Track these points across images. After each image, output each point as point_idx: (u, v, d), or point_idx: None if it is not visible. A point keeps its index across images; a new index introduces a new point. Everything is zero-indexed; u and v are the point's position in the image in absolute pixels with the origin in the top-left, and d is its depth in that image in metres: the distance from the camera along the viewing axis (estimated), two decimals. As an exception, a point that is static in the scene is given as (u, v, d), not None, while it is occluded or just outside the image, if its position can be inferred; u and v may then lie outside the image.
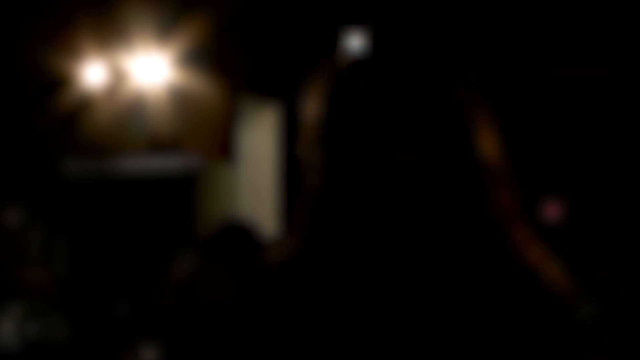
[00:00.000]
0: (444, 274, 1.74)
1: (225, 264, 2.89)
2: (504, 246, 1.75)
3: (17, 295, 5.42)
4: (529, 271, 1.75)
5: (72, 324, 5.45)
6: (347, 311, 1.72)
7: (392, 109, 1.80)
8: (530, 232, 1.75)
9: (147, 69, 6.82)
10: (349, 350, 1.69)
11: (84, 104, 6.95)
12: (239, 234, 3.04)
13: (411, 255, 1.73)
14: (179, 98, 6.78)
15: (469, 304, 1.70)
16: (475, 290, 1.72)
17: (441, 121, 1.80)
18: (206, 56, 6.74)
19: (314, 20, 5.86)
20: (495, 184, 1.74)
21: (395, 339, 1.69)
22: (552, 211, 5.71)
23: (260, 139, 6.80)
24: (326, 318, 1.73)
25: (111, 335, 5.45)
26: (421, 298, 1.70)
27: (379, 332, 1.70)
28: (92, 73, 6.91)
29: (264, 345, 1.71)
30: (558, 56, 5.80)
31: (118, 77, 6.89)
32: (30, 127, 7.13)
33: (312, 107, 1.83)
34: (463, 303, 1.69)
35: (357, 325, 1.70)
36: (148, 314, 5.10)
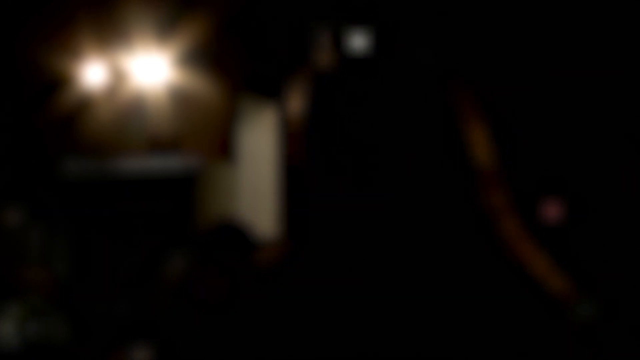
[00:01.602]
0: (437, 276, 1.74)
1: (217, 264, 2.88)
2: (494, 244, 1.76)
3: (17, 295, 5.41)
4: (519, 268, 1.75)
5: (72, 324, 5.44)
6: (340, 312, 1.72)
7: (383, 108, 1.81)
8: (520, 228, 1.76)
9: (147, 69, 6.82)
10: (342, 352, 1.69)
11: (84, 104, 6.95)
12: (231, 235, 3.02)
13: (403, 256, 1.73)
14: (179, 98, 6.78)
15: (461, 305, 1.70)
16: (466, 289, 1.72)
17: (433, 121, 1.81)
18: (206, 56, 6.74)
19: (315, 19, 5.86)
20: (486, 182, 1.75)
21: (387, 341, 1.69)
22: (552, 211, 5.71)
23: (260, 139, 6.79)
24: (319, 319, 1.73)
25: (111, 335, 5.45)
26: (413, 299, 1.71)
27: (371, 334, 1.70)
28: (92, 73, 6.91)
29: (256, 345, 1.71)
30: (559, 57, 5.80)
31: (118, 77, 6.89)
32: (30, 127, 7.12)
33: (295, 106, 1.83)
34: (455, 305, 1.70)
35: (349, 326, 1.70)
36: (143, 314, 5.10)
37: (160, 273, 3.25)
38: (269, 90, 6.68)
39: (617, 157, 5.71)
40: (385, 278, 1.57)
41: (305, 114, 1.67)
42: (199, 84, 6.74)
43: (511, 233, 1.58)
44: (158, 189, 6.99)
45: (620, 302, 4.89)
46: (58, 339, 5.35)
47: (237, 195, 6.80)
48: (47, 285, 5.57)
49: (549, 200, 5.75)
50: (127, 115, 6.89)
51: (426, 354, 1.61)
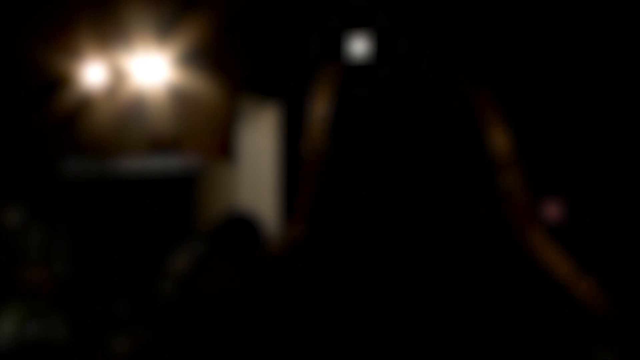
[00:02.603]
0: (449, 269, 1.73)
1: (229, 256, 2.87)
2: (517, 246, 1.75)
3: (17, 295, 5.42)
4: (543, 272, 1.74)
5: (72, 324, 5.45)
6: (350, 306, 1.72)
7: (402, 109, 1.81)
8: (545, 233, 1.76)
9: (147, 69, 6.82)
10: (352, 346, 1.69)
11: (84, 104, 6.95)
12: (243, 226, 3.03)
13: (416, 251, 1.72)
14: (179, 98, 6.78)
15: (478, 300, 1.70)
16: (485, 287, 1.72)
17: (451, 120, 1.80)
18: (206, 56, 6.74)
19: (315, 20, 5.86)
20: (508, 183, 1.74)
21: (399, 335, 1.69)
22: (552, 211, 5.71)
23: (260, 139, 6.80)
24: (328, 312, 1.73)
25: (110, 335, 5.45)
26: (425, 293, 1.70)
27: (382, 327, 1.70)
28: (92, 73, 6.91)
29: (263, 338, 1.71)
30: (559, 56, 5.80)
31: (118, 77, 6.89)
32: (30, 127, 7.13)
33: (320, 106, 1.83)
34: (471, 297, 1.69)
35: (360, 320, 1.70)
36: (143, 310, 5.10)
37: (166, 266, 3.25)
38: (269, 90, 6.68)
39: (617, 157, 5.71)
40: (401, 277, 1.58)
41: (331, 112, 1.68)
42: (199, 84, 6.74)
43: (535, 237, 1.58)
44: (158, 189, 7.00)
45: (622, 303, 4.88)
46: (58, 339, 5.35)
47: (237, 195, 6.81)
48: (47, 285, 5.58)
49: (549, 200, 5.75)
50: (127, 115, 6.89)
51: (441, 349, 1.61)
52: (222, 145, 6.83)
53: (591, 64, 5.75)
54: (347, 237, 1.69)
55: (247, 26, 6.67)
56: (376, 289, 1.67)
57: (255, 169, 6.81)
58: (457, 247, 1.69)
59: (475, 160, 1.74)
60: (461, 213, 1.72)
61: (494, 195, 1.72)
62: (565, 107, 5.79)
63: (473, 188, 1.71)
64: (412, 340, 1.65)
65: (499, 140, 1.76)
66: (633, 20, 5.71)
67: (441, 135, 1.71)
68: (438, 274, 1.68)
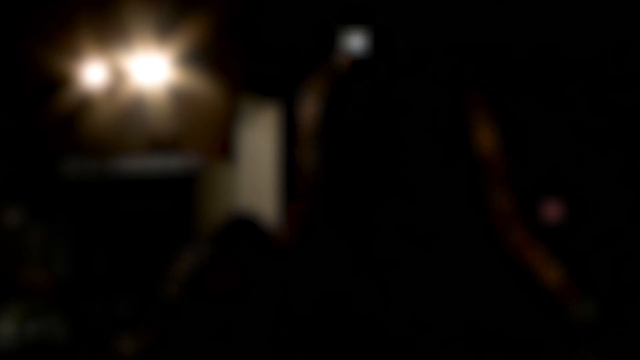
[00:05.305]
0: (443, 270, 1.74)
1: (235, 257, 2.88)
2: (501, 249, 1.75)
3: (17, 295, 5.42)
4: (526, 274, 1.74)
5: (72, 324, 5.45)
6: (344, 305, 1.73)
7: (392, 109, 1.80)
8: (528, 234, 1.75)
9: (147, 69, 6.82)
10: (350, 339, 1.69)
11: (84, 104, 6.95)
12: (248, 227, 3.03)
13: (409, 251, 1.73)
14: (179, 98, 6.79)
15: (466, 302, 1.70)
16: (472, 291, 1.72)
17: (442, 121, 1.80)
18: (206, 56, 6.74)
19: (315, 20, 5.87)
20: (493, 185, 1.74)
21: (395, 329, 1.69)
22: (552, 211, 5.71)
23: (260, 139, 6.80)
24: (324, 309, 1.73)
25: (111, 335, 5.45)
26: (420, 292, 1.70)
27: (379, 322, 1.70)
28: (92, 73, 6.91)
29: (265, 337, 1.71)
30: (558, 55, 5.80)
31: (118, 77, 6.89)
32: (30, 127, 7.13)
33: (310, 109, 1.82)
34: (460, 299, 1.70)
35: (356, 316, 1.71)
36: (146, 307, 5.09)
37: (171, 267, 3.25)
38: (269, 90, 6.68)
39: (617, 157, 5.71)
40: (392, 275, 1.59)
41: (322, 117, 1.66)
42: (199, 84, 6.75)
43: (518, 238, 1.58)
44: (158, 189, 7.00)
45: (621, 303, 4.89)
46: (58, 339, 5.35)
47: (237, 195, 6.81)
48: (47, 285, 5.58)
49: (549, 200, 5.75)
50: (127, 115, 6.89)
51: (432, 347, 1.62)
52: (222, 145, 6.83)
53: (591, 63, 5.76)
54: (338, 239, 1.70)
55: (247, 26, 6.67)
56: (370, 290, 1.68)
57: (255, 169, 6.81)
58: (447, 249, 1.69)
59: (465, 162, 1.74)
60: (451, 217, 1.72)
61: (481, 202, 1.72)
62: (565, 107, 5.80)
63: (460, 191, 1.71)
64: (406, 335, 1.66)
65: (486, 140, 1.76)
66: (632, 20, 5.71)
67: (431, 135, 1.71)
68: (431, 274, 1.68)
